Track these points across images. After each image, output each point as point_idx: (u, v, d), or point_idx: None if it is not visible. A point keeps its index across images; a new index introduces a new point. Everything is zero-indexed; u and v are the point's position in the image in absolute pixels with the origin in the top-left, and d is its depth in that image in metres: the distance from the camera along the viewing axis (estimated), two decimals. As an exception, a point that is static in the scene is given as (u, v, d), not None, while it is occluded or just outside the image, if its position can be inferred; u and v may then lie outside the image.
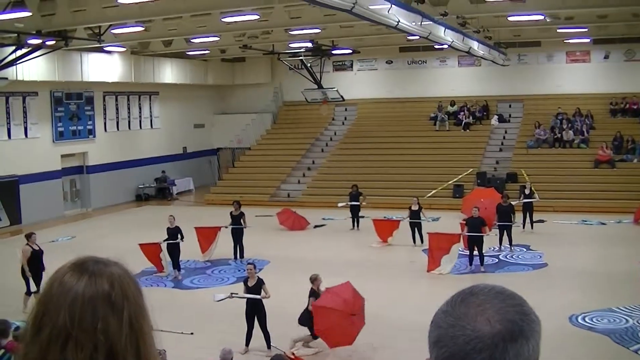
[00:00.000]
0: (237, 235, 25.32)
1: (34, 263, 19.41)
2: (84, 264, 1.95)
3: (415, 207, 26.83)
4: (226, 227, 25.27)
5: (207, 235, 25.36)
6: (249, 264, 17.44)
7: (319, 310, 15.82)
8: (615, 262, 22.37)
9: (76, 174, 38.54)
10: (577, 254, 24.54)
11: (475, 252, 22.89)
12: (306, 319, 16.19)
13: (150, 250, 23.49)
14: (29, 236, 20.08)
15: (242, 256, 25.17)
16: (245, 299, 16.25)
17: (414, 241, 26.51)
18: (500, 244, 25.23)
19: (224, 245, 24.95)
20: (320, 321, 15.84)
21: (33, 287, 19.23)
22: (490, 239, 24.48)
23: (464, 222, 23.87)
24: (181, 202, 41.30)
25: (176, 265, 23.04)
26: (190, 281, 22.63)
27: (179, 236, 23.05)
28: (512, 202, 26.33)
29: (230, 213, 25.52)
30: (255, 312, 15.95)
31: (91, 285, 1.88)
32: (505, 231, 25.25)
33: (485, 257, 23.44)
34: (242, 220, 25.30)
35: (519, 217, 27.14)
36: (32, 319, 1.88)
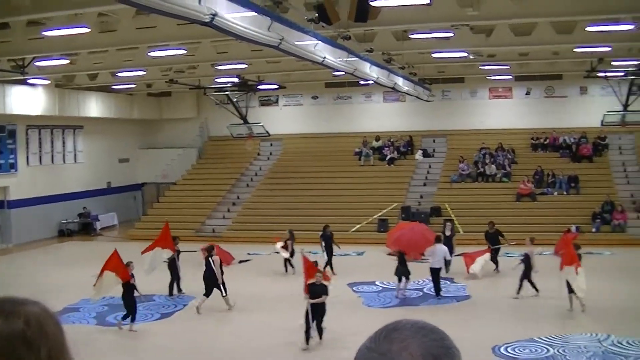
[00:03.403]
0: (176, 270, 25.06)
1: None
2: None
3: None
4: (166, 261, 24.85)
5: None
6: None
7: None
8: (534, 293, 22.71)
9: (-4, 208, 37.76)
10: (499, 285, 24.85)
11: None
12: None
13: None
14: None
15: (179, 291, 25.07)
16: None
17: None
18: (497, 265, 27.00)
19: (148, 282, 24.54)
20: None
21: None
22: (419, 271, 24.77)
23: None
24: (105, 238, 40.70)
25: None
26: (114, 317, 22.18)
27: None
28: (497, 229, 27.67)
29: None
30: None
31: (7, 324, 1.86)
32: (496, 254, 26.61)
33: (410, 291, 24.06)
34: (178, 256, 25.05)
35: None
36: None
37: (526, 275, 22.88)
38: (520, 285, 22.88)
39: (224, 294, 22.48)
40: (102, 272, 20.69)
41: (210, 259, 22.57)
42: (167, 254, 24.38)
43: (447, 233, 27.63)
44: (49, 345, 1.87)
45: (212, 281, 22.38)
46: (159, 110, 48.61)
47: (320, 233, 28.64)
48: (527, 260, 22.90)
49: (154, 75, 35.34)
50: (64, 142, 42.33)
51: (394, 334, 1.86)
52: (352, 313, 21.95)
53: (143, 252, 23.67)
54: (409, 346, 1.81)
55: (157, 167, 47.08)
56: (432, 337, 1.85)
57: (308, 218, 37.17)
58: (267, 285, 26.25)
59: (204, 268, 22.67)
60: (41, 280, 25.69)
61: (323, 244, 28.08)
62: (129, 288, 20.40)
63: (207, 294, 22.28)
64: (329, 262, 27.40)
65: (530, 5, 21.03)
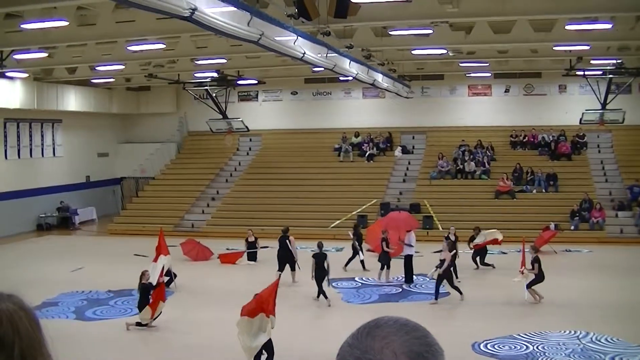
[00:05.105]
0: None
1: None
2: None
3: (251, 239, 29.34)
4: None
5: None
6: None
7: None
8: (514, 290, 22.76)
9: (-26, 202, 37.44)
10: (478, 282, 24.92)
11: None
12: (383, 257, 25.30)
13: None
14: None
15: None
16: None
17: None
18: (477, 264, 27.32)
19: (126, 275, 24.47)
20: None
21: None
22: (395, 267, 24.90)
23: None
24: (83, 232, 40.54)
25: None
26: (93, 312, 22.11)
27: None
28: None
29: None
30: None
31: None
32: (479, 255, 27.20)
33: (389, 287, 24.55)
34: None
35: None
36: None
37: (448, 278, 22.54)
38: (457, 289, 22.60)
39: (298, 269, 24.94)
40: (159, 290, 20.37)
41: (287, 240, 25.23)
42: (167, 260, 24.24)
43: (452, 238, 26.39)
44: (22, 344, 1.83)
45: (285, 258, 25.04)
46: (137, 105, 48.38)
47: (352, 232, 28.43)
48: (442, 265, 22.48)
49: (133, 70, 35.23)
50: (42, 136, 42.05)
51: (376, 330, 1.84)
52: (332, 309, 21.93)
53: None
54: (392, 344, 1.80)
55: (136, 161, 46.92)
56: (414, 334, 1.84)
57: (287, 214, 37.12)
58: (246, 281, 26.15)
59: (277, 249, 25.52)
60: (19, 274, 25.51)
61: (356, 243, 27.80)
62: (145, 290, 20.12)
63: (280, 269, 24.81)
64: (359, 260, 27.54)
65: (509, 3, 21.10)
